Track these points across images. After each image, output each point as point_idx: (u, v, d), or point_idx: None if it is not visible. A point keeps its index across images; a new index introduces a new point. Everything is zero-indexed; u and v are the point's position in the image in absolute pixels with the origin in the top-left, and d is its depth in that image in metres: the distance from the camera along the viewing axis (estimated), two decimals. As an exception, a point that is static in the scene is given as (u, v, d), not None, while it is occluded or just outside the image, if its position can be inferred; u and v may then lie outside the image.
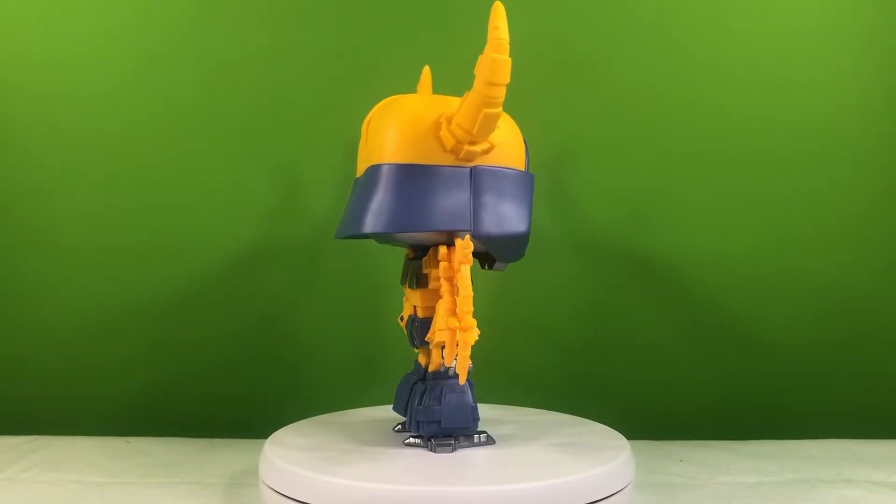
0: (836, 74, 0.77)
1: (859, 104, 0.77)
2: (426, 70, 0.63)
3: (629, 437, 0.58)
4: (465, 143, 0.50)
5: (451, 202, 0.50)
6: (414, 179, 0.51)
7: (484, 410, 0.62)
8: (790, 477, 0.66)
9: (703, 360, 0.78)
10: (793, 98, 0.77)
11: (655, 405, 0.78)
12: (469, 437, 0.54)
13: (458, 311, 0.48)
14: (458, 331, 0.48)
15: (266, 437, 0.57)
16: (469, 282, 0.49)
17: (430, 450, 0.53)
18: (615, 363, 0.78)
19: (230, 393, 0.77)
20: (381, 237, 0.57)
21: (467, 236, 0.49)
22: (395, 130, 0.52)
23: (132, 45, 0.76)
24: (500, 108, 0.48)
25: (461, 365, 0.48)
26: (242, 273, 0.77)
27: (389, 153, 0.52)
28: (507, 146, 0.53)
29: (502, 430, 0.59)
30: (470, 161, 0.51)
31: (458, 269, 0.49)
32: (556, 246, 0.77)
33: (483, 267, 0.58)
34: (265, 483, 0.52)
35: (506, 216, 0.51)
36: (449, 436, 0.54)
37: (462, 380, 0.49)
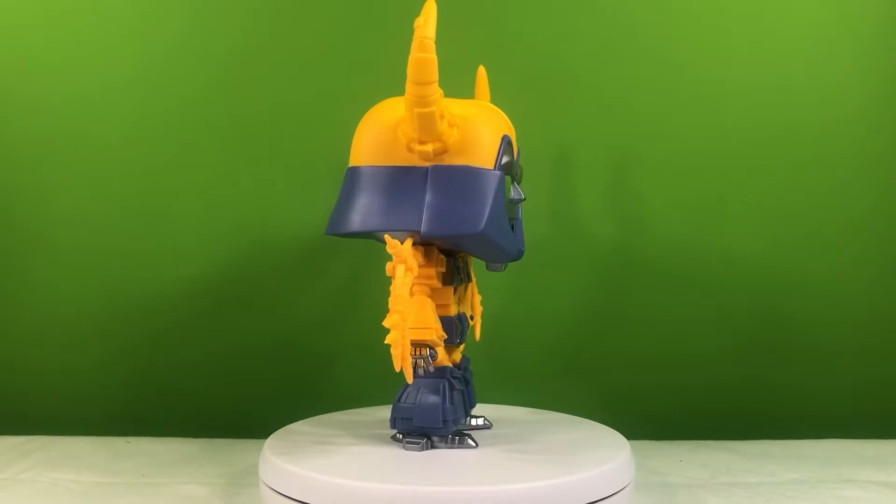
0: (839, 76, 0.77)
1: (861, 106, 0.77)
2: (481, 70, 0.63)
3: (629, 437, 0.58)
4: (415, 143, 0.50)
5: (406, 203, 0.51)
6: (375, 181, 0.52)
7: (483, 410, 0.62)
8: (790, 477, 0.66)
9: (703, 360, 0.78)
10: (793, 101, 0.77)
11: (655, 405, 0.78)
12: (443, 437, 0.54)
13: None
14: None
15: (266, 437, 0.57)
16: (400, 281, 0.48)
17: (402, 446, 0.54)
18: (615, 363, 0.78)
19: (230, 393, 0.77)
20: (370, 238, 0.57)
21: (386, 236, 0.49)
22: (362, 133, 0.54)
23: (133, 44, 0.76)
24: (432, 107, 0.48)
25: (395, 363, 0.48)
26: (243, 273, 0.77)
27: (357, 156, 0.53)
28: (473, 143, 0.51)
29: (502, 430, 0.59)
30: (429, 160, 0.51)
31: (395, 269, 0.49)
32: (558, 246, 0.76)
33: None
34: (265, 483, 0.52)
35: (458, 216, 0.50)
36: (424, 435, 0.54)
37: (409, 379, 0.49)
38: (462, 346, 0.60)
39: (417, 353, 0.52)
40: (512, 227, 0.57)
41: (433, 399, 0.54)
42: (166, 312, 0.77)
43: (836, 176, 0.77)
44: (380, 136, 0.52)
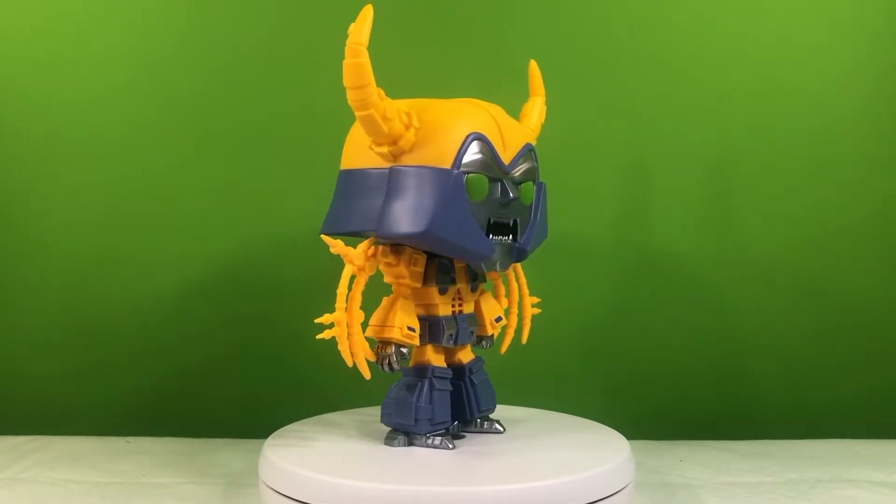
0: (839, 79, 0.77)
1: (862, 109, 0.77)
2: (532, 64, 0.63)
3: (629, 437, 0.58)
4: (373, 146, 0.51)
5: (370, 204, 0.52)
6: (351, 183, 0.54)
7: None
8: (790, 477, 0.66)
9: (704, 361, 0.78)
10: (794, 103, 0.77)
11: (655, 405, 0.78)
12: (420, 436, 0.54)
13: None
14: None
15: (266, 437, 0.57)
16: (342, 280, 0.50)
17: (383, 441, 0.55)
18: (615, 363, 0.78)
19: (230, 393, 0.77)
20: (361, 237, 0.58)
21: (323, 236, 0.51)
22: (349, 137, 0.55)
23: (130, 47, 0.76)
24: (370, 110, 0.49)
25: (346, 359, 0.51)
26: (242, 273, 0.77)
27: (344, 159, 0.55)
28: (430, 143, 0.51)
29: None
30: (390, 162, 0.52)
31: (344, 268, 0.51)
32: (556, 247, 0.76)
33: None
34: (265, 483, 0.52)
35: (406, 216, 0.50)
36: (403, 431, 0.55)
37: (365, 375, 0.51)
38: (494, 345, 0.61)
39: (383, 350, 0.53)
40: (513, 227, 0.55)
41: (408, 397, 0.54)
42: (166, 313, 0.77)
43: (838, 178, 0.78)
44: (360, 140, 0.53)
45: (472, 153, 0.52)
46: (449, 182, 0.51)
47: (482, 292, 0.60)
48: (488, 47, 0.76)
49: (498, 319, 0.60)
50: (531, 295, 0.63)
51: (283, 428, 0.59)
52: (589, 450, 0.54)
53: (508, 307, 0.63)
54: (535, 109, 0.62)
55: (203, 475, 0.65)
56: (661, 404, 0.78)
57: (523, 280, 0.63)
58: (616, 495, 0.50)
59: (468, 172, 0.51)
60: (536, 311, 0.64)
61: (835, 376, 0.78)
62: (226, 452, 0.71)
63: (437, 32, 0.77)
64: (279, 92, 0.76)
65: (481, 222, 0.53)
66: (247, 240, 0.77)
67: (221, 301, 0.77)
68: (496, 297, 0.62)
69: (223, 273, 0.77)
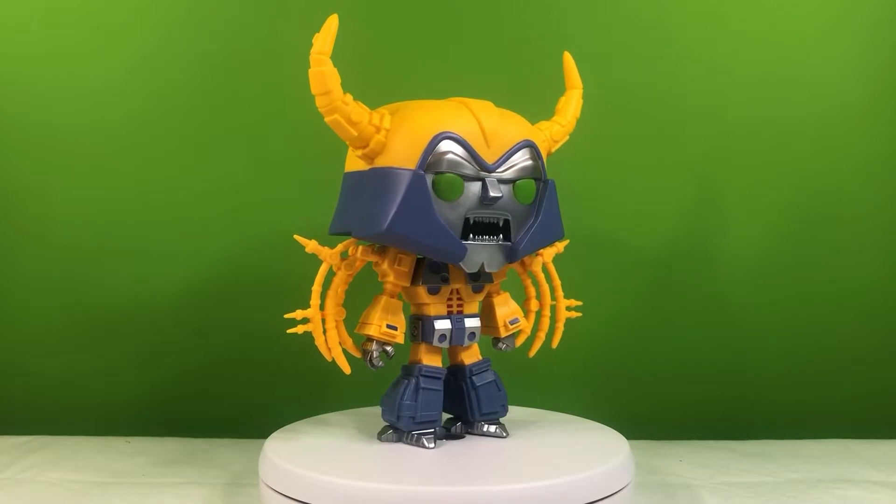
0: (840, 74, 0.77)
1: (863, 104, 0.77)
2: (566, 55, 0.62)
3: (629, 437, 0.58)
4: (351, 149, 0.53)
5: (356, 205, 0.54)
6: (345, 185, 0.56)
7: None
8: (790, 477, 0.66)
9: (704, 361, 0.78)
10: (795, 99, 0.77)
11: (655, 405, 0.78)
12: (404, 433, 0.55)
13: None
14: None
15: (266, 437, 0.57)
16: (317, 278, 0.53)
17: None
18: (615, 363, 0.78)
19: (230, 393, 0.77)
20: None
21: (296, 236, 0.53)
22: None
23: (130, 41, 0.76)
24: (335, 115, 0.50)
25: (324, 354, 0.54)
26: (242, 272, 0.77)
27: (346, 161, 0.57)
28: (395, 145, 0.52)
29: (502, 430, 0.59)
30: (368, 164, 0.53)
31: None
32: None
33: None
34: (265, 483, 0.52)
35: (369, 215, 0.51)
36: (395, 429, 0.55)
37: (345, 370, 0.54)
38: (522, 348, 0.61)
39: (366, 346, 0.55)
40: (504, 227, 0.54)
41: (393, 396, 0.55)
42: (167, 313, 0.76)
43: (840, 177, 0.77)
44: None
45: (441, 153, 0.51)
46: (412, 182, 0.51)
47: (499, 293, 0.59)
48: (498, 45, 0.76)
49: (514, 321, 0.59)
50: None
51: (283, 428, 0.59)
52: (589, 450, 0.54)
53: (540, 309, 0.61)
54: (571, 103, 0.61)
55: (203, 475, 0.65)
56: (661, 404, 0.78)
57: (557, 282, 0.61)
58: (616, 495, 0.50)
59: (436, 172, 0.51)
60: (573, 314, 0.62)
61: (835, 376, 0.79)
62: (226, 452, 0.71)
63: (441, 29, 0.77)
64: (280, 90, 0.76)
65: (454, 222, 0.52)
66: (248, 238, 0.77)
67: (222, 300, 0.77)
68: (526, 298, 0.61)
69: (224, 272, 0.77)
